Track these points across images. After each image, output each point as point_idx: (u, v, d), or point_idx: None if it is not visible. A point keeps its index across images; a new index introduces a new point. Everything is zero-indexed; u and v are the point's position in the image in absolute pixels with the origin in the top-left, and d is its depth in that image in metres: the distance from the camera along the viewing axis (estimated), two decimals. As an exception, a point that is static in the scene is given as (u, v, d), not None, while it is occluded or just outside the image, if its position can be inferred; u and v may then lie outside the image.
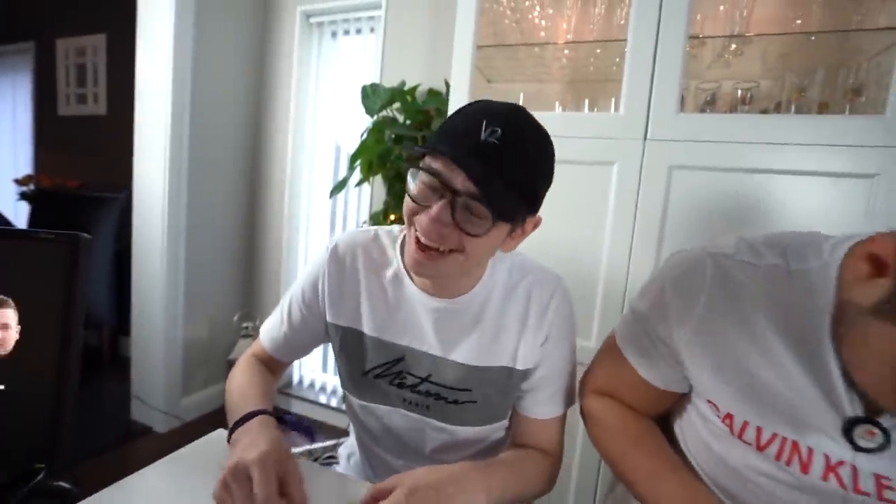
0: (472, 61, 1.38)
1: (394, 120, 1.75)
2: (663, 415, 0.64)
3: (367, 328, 0.67)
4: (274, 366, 0.77)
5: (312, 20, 2.20)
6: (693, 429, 0.57)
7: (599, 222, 1.24)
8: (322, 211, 2.27)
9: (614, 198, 1.22)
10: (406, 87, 1.78)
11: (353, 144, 2.09)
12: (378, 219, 1.72)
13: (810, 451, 0.46)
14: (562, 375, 0.67)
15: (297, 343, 0.74)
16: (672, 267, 0.55)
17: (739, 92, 1.24)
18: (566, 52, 1.41)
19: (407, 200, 0.56)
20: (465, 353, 0.64)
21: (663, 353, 0.55)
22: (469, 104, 0.56)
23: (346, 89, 2.18)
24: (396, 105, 1.75)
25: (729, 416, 0.51)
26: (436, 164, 0.52)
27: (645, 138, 1.19)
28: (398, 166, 1.65)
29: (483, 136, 0.50)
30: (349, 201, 2.20)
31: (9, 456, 0.69)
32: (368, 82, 1.89)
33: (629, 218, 1.21)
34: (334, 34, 2.25)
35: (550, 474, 0.66)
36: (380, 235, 0.71)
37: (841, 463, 0.45)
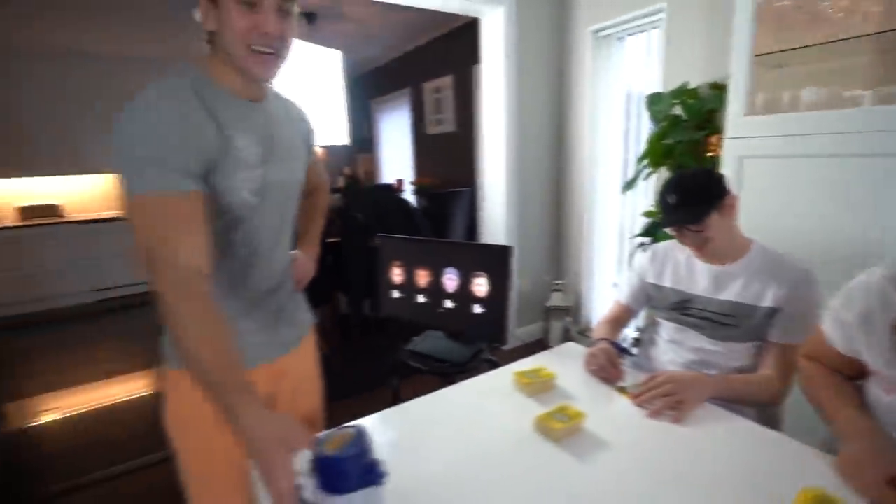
0: (750, 60, 1.57)
1: (677, 119, 2.06)
2: (856, 378, 0.91)
3: (668, 283, 1.24)
4: (627, 316, 1.36)
5: (600, 34, 2.64)
6: (868, 385, 0.87)
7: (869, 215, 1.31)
8: (611, 195, 2.77)
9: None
10: (688, 87, 2.05)
11: (638, 135, 2.48)
12: (661, 204, 2.10)
13: None
14: (796, 321, 1.03)
15: (638, 297, 1.33)
16: (853, 286, 0.83)
17: None
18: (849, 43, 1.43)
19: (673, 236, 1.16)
20: (730, 295, 1.11)
21: (847, 334, 0.84)
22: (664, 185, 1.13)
23: (634, 86, 2.56)
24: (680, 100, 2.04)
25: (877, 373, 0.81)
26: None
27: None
28: (683, 161, 1.98)
29: (670, 201, 1.08)
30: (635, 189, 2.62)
31: (481, 338, 1.57)
32: (651, 85, 2.23)
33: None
34: (620, 38, 2.63)
35: (774, 391, 1.03)
36: (675, 243, 1.24)
37: None
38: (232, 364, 0.65)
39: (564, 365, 1.19)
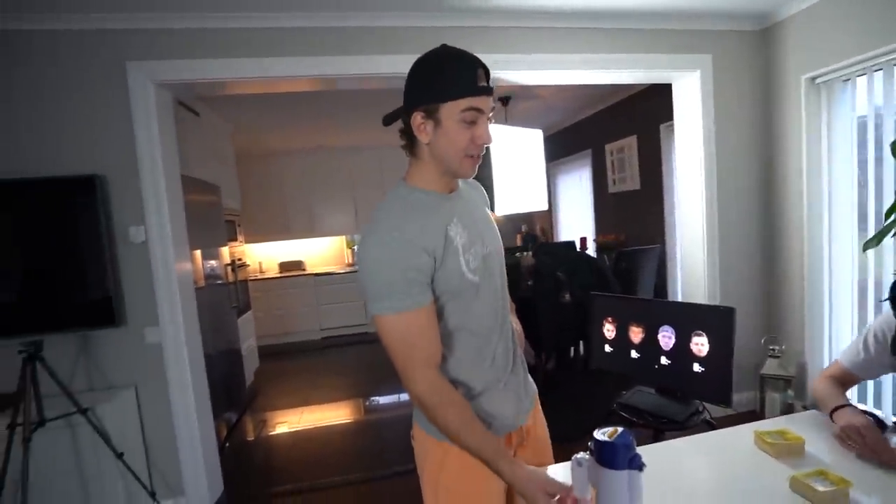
0: None
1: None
2: None
3: None
4: (847, 381, 1.23)
5: (818, 81, 2.47)
6: None
7: None
8: (845, 253, 2.44)
9: None
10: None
11: (879, 185, 2.21)
12: (922, 263, 1.81)
13: None
14: None
15: (868, 366, 1.19)
16: None
17: None
18: None
19: None
20: None
21: None
22: None
23: (871, 131, 2.29)
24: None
25: None
26: None
27: None
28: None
29: None
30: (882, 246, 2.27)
31: (703, 397, 1.57)
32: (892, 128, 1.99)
33: None
34: (846, 80, 2.41)
35: None
36: None
37: None
38: (487, 439, 0.84)
39: (811, 431, 1.14)
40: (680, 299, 2.93)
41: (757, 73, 2.71)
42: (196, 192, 2.89)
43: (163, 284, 2.02)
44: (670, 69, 2.64)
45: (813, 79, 2.47)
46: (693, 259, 2.82)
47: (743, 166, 2.74)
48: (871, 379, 1.23)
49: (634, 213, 4.15)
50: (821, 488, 0.89)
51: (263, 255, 5.91)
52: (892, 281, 1.05)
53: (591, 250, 4.43)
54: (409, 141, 0.90)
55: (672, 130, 3.02)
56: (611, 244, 4.16)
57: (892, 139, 2.19)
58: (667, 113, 2.99)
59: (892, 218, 1.90)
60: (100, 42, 1.97)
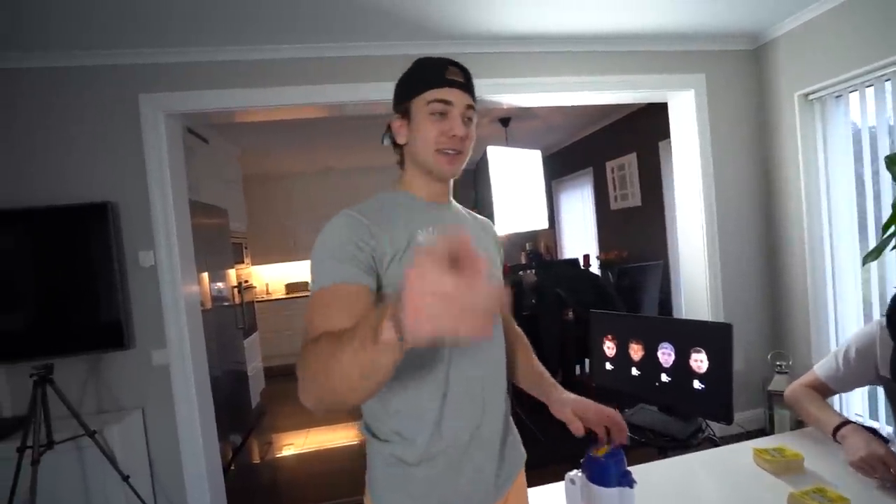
0: None
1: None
2: None
3: None
4: (824, 393, 1.22)
5: (812, 97, 2.51)
6: None
7: None
8: (849, 267, 2.44)
9: None
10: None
11: (878, 199, 2.22)
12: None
13: None
14: None
15: (846, 380, 1.19)
16: None
17: None
18: None
19: None
20: None
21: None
22: None
23: (867, 145, 2.31)
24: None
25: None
26: None
27: None
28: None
29: None
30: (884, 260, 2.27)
31: (703, 415, 1.57)
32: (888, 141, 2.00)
33: None
34: (838, 97, 2.45)
35: None
36: None
37: None
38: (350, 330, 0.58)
39: (809, 447, 1.14)
40: (683, 316, 2.92)
41: (751, 91, 2.75)
42: (204, 215, 2.96)
43: (170, 307, 2.06)
44: (665, 88, 2.70)
45: (806, 95, 2.51)
46: (694, 275, 2.82)
47: (740, 182, 2.77)
48: (844, 392, 1.23)
49: (636, 230, 4.16)
50: (818, 505, 0.89)
51: (270, 277, 5.97)
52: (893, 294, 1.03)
53: (594, 267, 4.44)
54: (397, 150, 0.90)
55: (671, 147, 3.05)
56: (614, 261, 4.17)
57: (887, 153, 2.23)
58: (665, 130, 3.03)
59: (889, 231, 1.92)
60: (112, 77, 2.07)
